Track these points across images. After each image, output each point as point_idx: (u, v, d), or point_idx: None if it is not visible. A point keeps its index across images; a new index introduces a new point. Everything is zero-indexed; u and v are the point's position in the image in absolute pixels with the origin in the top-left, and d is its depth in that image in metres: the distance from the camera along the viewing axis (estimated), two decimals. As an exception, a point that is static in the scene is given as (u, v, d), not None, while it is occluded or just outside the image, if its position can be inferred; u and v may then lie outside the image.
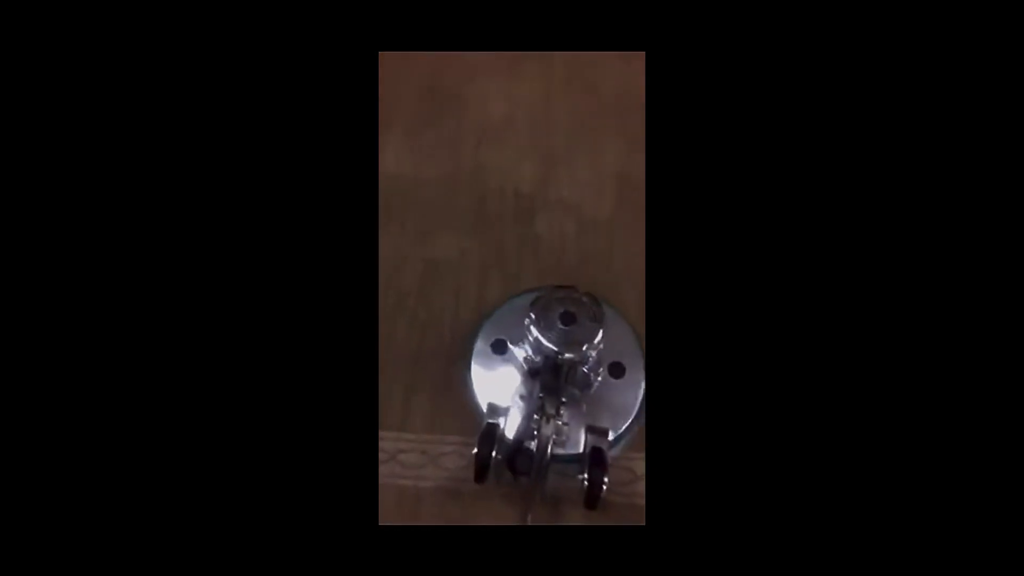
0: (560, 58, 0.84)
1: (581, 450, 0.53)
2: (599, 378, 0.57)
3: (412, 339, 0.63)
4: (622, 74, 0.84)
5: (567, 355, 0.53)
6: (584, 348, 0.52)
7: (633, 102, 0.83)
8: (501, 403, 0.56)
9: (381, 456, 0.57)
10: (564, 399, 0.54)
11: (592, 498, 0.50)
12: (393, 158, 0.74)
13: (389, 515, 0.54)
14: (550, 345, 0.53)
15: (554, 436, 0.51)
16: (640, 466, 0.56)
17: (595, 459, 0.51)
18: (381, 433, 0.57)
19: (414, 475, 0.56)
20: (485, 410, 0.55)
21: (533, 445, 0.51)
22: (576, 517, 0.53)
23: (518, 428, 0.54)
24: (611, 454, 0.54)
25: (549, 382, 0.54)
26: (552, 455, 0.51)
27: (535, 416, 0.53)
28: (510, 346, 0.58)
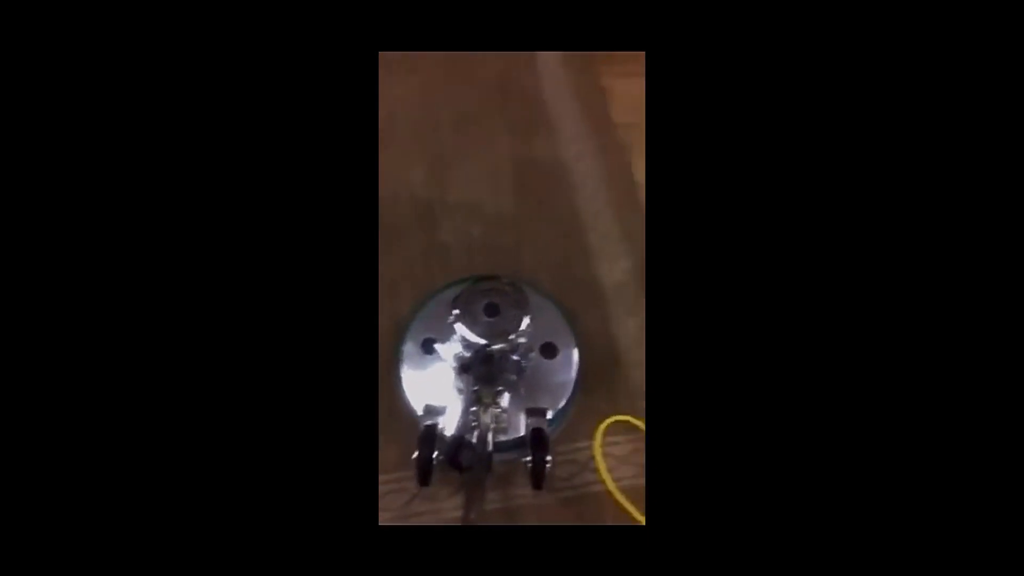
0: (432, 55, 0.82)
1: (521, 433, 0.55)
2: (531, 362, 0.58)
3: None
4: (499, 61, 0.84)
5: (496, 346, 0.53)
6: (512, 337, 0.53)
7: (515, 89, 0.83)
8: (438, 403, 0.56)
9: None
10: (500, 387, 0.55)
11: (537, 477, 0.52)
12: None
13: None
14: (478, 339, 0.53)
15: (493, 424, 0.52)
16: (582, 455, 0.58)
17: (536, 440, 0.52)
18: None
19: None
20: (421, 412, 0.55)
21: (471, 438, 0.52)
22: (528, 498, 0.55)
23: (457, 423, 0.55)
24: (553, 437, 0.55)
25: (482, 373, 0.54)
26: (495, 443, 0.52)
27: (472, 408, 0.53)
28: (437, 346, 0.58)
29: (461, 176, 0.75)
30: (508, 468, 0.55)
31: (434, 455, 0.52)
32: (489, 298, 0.54)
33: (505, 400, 0.55)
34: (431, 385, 0.59)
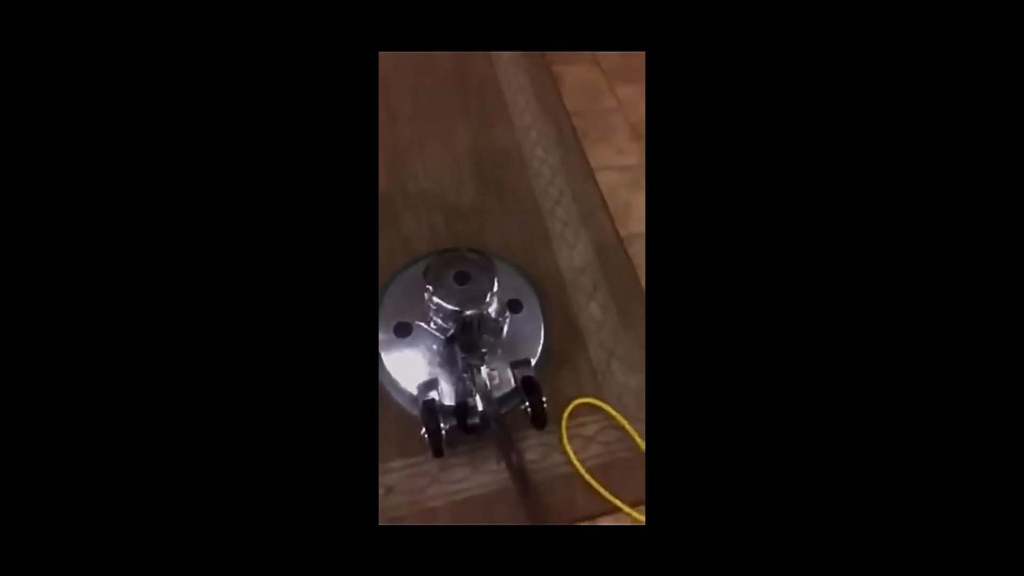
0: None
1: (513, 385, 0.58)
2: (507, 319, 0.61)
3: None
4: (455, 53, 0.85)
5: (473, 310, 0.56)
6: (487, 299, 0.56)
7: (470, 77, 0.85)
8: (424, 379, 0.58)
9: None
10: (484, 349, 0.57)
11: (538, 418, 0.56)
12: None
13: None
14: (455, 308, 0.55)
15: (492, 383, 0.55)
16: (551, 438, 0.60)
17: (528, 386, 0.56)
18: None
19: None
20: (415, 391, 0.57)
21: (474, 401, 0.55)
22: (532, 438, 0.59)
23: (456, 392, 0.57)
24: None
25: (466, 340, 0.57)
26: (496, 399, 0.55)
27: (464, 375, 0.56)
28: (417, 324, 0.59)
29: (420, 167, 0.75)
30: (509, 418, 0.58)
31: (441, 426, 0.54)
32: (456, 267, 0.57)
33: (490, 360, 0.58)
34: (414, 366, 0.60)
